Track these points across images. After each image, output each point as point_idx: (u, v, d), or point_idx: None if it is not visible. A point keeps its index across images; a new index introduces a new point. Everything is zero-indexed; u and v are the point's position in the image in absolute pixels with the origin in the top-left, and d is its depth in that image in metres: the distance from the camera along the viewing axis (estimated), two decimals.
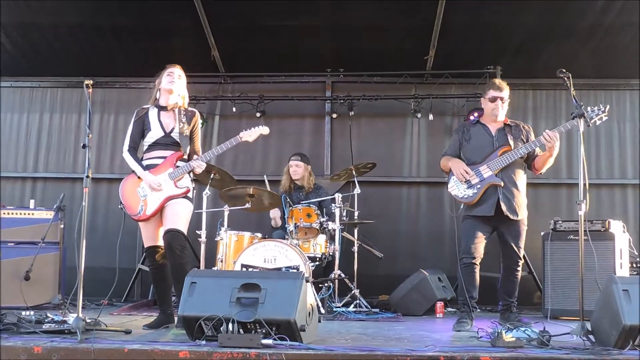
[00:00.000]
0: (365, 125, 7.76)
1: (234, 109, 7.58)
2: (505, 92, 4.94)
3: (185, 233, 4.48)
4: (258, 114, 7.54)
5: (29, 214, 6.05)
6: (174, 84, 4.59)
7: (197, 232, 5.64)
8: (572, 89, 4.16)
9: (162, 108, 4.61)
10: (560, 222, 5.73)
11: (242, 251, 5.52)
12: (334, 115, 7.68)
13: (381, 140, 7.65)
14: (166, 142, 4.54)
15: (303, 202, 6.22)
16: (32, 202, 6.36)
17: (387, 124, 7.74)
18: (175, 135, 4.55)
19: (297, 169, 6.62)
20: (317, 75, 7.68)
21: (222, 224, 5.80)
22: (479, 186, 4.79)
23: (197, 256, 5.85)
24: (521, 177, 4.90)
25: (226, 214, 5.79)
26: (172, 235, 4.37)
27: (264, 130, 4.78)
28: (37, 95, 7.98)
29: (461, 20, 6.69)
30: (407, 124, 7.70)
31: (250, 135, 4.73)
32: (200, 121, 4.74)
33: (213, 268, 5.76)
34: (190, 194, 4.55)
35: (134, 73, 7.72)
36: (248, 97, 7.60)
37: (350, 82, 7.69)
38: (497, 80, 5.01)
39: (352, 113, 7.52)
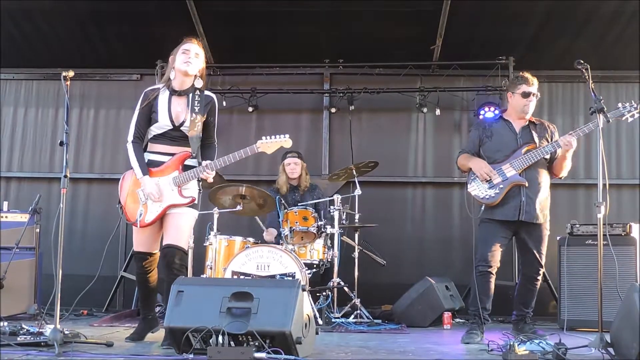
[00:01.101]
0: (367, 120, 7.77)
1: (224, 103, 7.54)
2: (536, 87, 4.95)
3: (187, 247, 4.41)
4: (250, 109, 7.55)
5: (2, 216, 6.03)
6: (190, 65, 4.30)
7: None
8: (590, 81, 4.17)
9: (174, 92, 4.35)
10: (577, 225, 5.74)
11: (233, 257, 5.52)
12: (333, 110, 7.69)
13: (384, 137, 7.65)
14: (174, 135, 4.33)
15: (299, 204, 6.22)
16: (5, 203, 6.33)
17: (391, 119, 7.75)
18: (185, 128, 4.31)
19: (296, 167, 6.58)
20: (314, 66, 7.67)
21: (212, 227, 5.78)
22: (501, 186, 4.79)
23: (186, 263, 5.83)
24: (545, 178, 4.92)
25: (216, 217, 5.77)
26: (173, 252, 4.24)
27: (286, 142, 4.40)
28: (10, 88, 7.99)
29: (471, 7, 6.69)
30: (412, 119, 7.71)
31: (269, 146, 4.39)
32: (216, 108, 4.46)
33: (201, 275, 5.77)
34: (196, 200, 4.38)
35: (115, 64, 7.73)
36: (239, 90, 7.59)
37: (350, 74, 7.69)
38: (528, 74, 4.99)
39: (352, 107, 7.53)
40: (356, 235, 6.18)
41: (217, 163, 4.30)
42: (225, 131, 7.55)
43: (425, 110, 7.50)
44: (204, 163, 4.30)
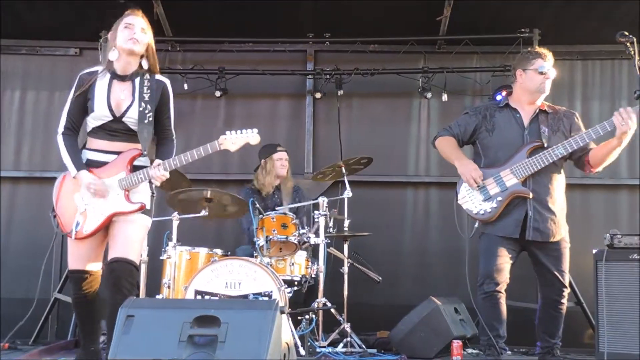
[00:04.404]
0: (359, 108, 7.80)
1: (186, 86, 7.52)
2: (552, 64, 4.93)
3: (138, 262, 4.34)
4: (218, 93, 7.52)
5: None
6: (136, 42, 4.25)
7: None
8: (636, 57, 4.18)
9: (116, 77, 4.30)
10: (618, 236, 5.66)
11: (196, 273, 5.46)
12: (318, 95, 7.69)
13: (379, 128, 7.68)
14: (116, 129, 4.27)
15: (278, 208, 6.20)
16: None
17: (387, 106, 7.77)
18: (130, 121, 4.25)
19: (286, 163, 6.71)
20: (295, 42, 7.68)
21: (170, 237, 5.75)
22: (499, 198, 4.82)
23: (137, 281, 5.76)
24: (558, 182, 4.92)
25: (175, 224, 5.75)
26: (122, 267, 4.18)
27: (254, 138, 4.45)
28: None
29: None
30: (414, 106, 7.74)
31: (233, 142, 4.39)
32: (171, 95, 4.46)
33: (157, 296, 5.74)
34: (146, 202, 4.32)
35: (47, 35, 7.63)
36: (204, 70, 7.57)
37: (339, 52, 7.70)
38: (540, 48, 5.04)
39: (341, 92, 7.53)
40: (345, 246, 6.17)
41: (171, 162, 4.30)
42: (187, 120, 7.56)
43: (429, 95, 7.50)
44: (155, 162, 4.27)
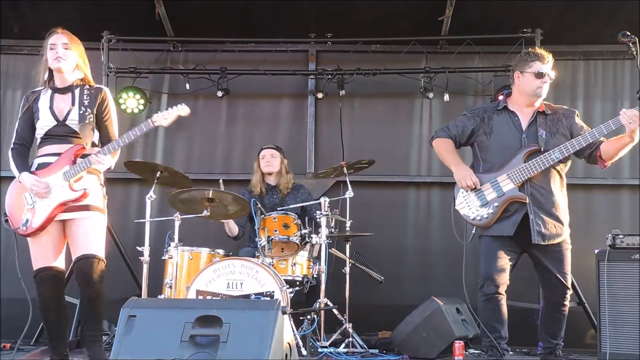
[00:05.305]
0: (360, 108, 7.77)
1: (188, 86, 7.49)
2: (551, 66, 4.90)
3: (104, 254, 4.49)
4: (219, 93, 7.48)
5: None
6: (61, 60, 4.53)
7: (138, 248, 5.61)
8: (639, 57, 4.16)
9: (57, 90, 4.60)
10: (621, 236, 5.64)
11: (198, 273, 5.47)
12: (320, 95, 7.64)
13: (381, 128, 7.65)
14: (61, 132, 4.52)
15: (279, 208, 6.18)
16: None
17: (389, 106, 7.74)
18: (72, 123, 4.52)
19: (272, 160, 6.62)
20: (297, 42, 7.65)
21: (172, 237, 5.74)
22: (496, 204, 4.80)
23: (138, 281, 5.76)
24: (557, 185, 4.89)
25: (177, 224, 5.73)
26: (86, 263, 4.38)
27: (183, 110, 4.74)
28: None
29: None
30: (416, 106, 7.72)
31: (165, 117, 4.66)
32: (110, 100, 4.69)
33: (159, 296, 5.73)
34: (98, 200, 4.51)
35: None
36: (206, 71, 7.54)
37: (340, 52, 7.67)
38: (541, 50, 4.99)
39: (343, 92, 7.50)
40: (347, 247, 6.15)
41: (109, 146, 4.51)
42: (189, 121, 7.40)
43: (431, 95, 7.45)
44: (94, 150, 4.49)
